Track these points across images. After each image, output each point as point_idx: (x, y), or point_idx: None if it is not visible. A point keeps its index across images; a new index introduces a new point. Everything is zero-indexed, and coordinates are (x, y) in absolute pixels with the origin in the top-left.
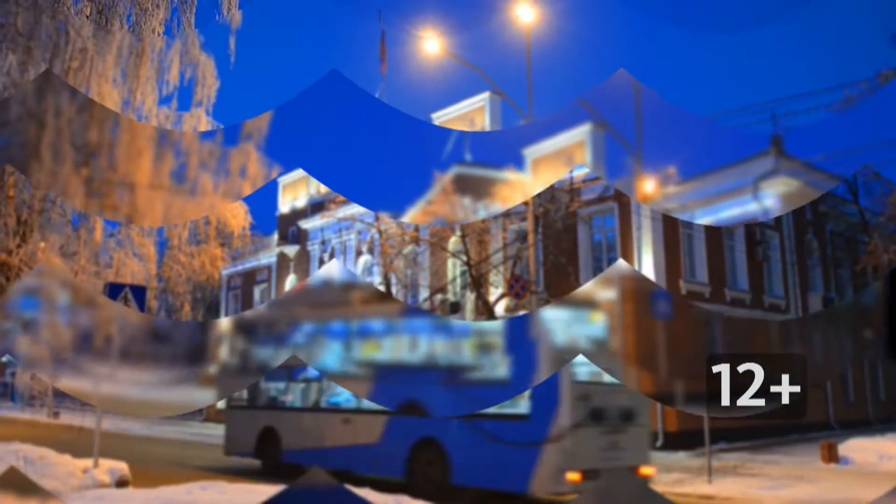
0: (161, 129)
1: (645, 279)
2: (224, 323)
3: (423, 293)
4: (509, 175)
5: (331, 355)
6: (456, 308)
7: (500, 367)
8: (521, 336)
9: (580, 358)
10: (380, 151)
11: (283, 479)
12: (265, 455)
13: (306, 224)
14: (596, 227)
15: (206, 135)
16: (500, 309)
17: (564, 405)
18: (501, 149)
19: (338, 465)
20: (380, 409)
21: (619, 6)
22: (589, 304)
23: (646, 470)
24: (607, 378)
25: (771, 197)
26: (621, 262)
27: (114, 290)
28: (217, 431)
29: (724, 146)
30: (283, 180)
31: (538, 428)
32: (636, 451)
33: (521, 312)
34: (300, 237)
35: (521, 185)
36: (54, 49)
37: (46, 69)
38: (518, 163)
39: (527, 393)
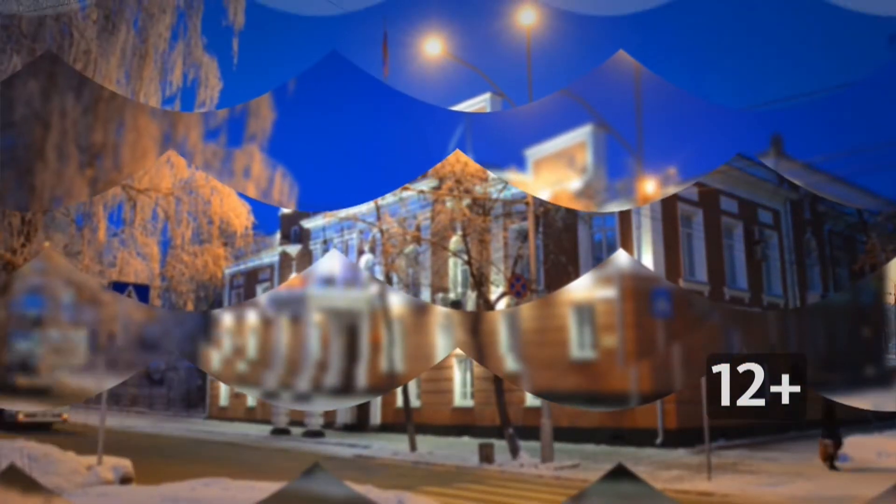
0: (170, 112)
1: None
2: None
3: (425, 292)
4: (512, 177)
5: None
6: (457, 307)
7: None
8: None
9: None
10: (379, 145)
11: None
12: None
13: (308, 223)
14: (596, 227)
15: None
16: (501, 307)
17: None
18: (504, 150)
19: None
20: None
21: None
22: None
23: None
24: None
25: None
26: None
27: (118, 289)
28: (220, 428)
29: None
30: None
31: None
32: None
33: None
34: (302, 236)
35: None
36: (58, 50)
37: (48, 51)
38: (520, 164)
39: None
